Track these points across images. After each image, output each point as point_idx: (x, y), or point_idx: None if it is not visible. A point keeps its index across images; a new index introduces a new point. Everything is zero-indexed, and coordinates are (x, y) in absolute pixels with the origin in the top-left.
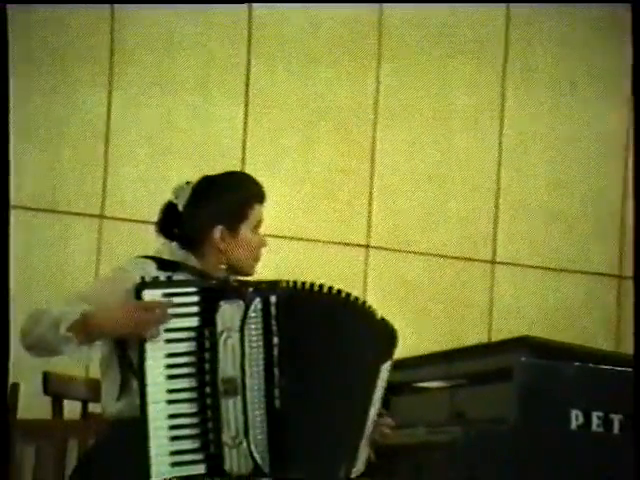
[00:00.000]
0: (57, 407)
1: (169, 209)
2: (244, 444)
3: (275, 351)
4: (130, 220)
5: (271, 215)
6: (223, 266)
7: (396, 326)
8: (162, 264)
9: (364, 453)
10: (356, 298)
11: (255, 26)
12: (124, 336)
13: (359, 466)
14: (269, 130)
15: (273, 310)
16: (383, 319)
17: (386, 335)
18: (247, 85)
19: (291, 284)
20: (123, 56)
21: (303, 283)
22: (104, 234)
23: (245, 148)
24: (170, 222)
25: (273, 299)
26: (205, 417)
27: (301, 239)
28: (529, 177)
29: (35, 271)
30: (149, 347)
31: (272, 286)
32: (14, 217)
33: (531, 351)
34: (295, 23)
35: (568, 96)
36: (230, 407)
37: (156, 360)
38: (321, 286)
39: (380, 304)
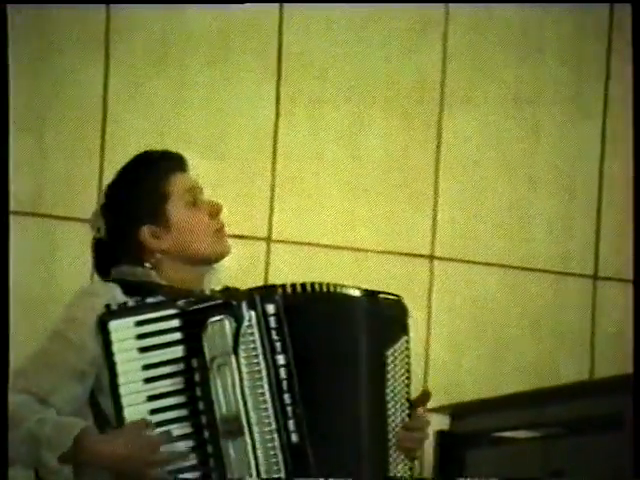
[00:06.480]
0: None
1: (97, 246)
2: None
3: (283, 373)
4: None
5: (314, 219)
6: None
7: (469, 356)
8: (128, 287)
9: (398, 464)
10: (358, 289)
11: None
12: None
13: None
14: (307, 110)
15: (273, 322)
16: (383, 296)
17: (389, 312)
18: (279, 53)
19: (288, 288)
20: (119, 27)
21: (302, 285)
22: None
23: (277, 134)
24: (106, 259)
25: (271, 309)
26: (208, 469)
27: (349, 248)
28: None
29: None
30: (123, 390)
31: (267, 293)
32: None
33: None
34: None
35: None
36: (236, 450)
37: (136, 406)
38: (321, 285)
39: (448, 327)
